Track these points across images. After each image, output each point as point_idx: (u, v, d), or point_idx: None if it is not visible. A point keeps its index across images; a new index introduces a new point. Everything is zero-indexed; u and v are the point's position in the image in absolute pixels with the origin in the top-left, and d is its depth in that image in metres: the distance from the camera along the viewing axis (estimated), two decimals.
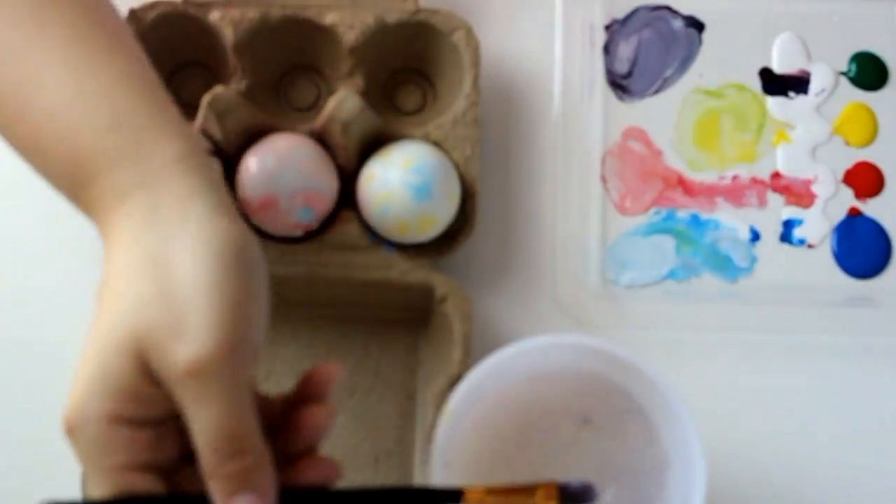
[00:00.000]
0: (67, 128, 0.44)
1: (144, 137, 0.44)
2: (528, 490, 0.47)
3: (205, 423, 0.41)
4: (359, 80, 0.61)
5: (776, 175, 0.64)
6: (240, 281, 0.42)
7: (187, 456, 0.43)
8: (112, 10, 0.49)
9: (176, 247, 0.42)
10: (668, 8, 0.67)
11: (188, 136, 0.45)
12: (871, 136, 0.65)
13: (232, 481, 0.41)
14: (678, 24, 0.66)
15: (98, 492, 0.42)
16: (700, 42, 0.66)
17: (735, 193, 0.64)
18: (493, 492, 0.46)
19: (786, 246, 0.63)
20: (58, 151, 0.45)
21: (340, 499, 0.45)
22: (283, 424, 0.45)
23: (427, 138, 0.60)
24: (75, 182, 0.45)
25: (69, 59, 0.45)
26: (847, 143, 0.65)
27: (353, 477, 0.59)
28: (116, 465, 0.41)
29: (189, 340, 0.40)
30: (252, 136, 0.59)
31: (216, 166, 0.57)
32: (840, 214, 0.64)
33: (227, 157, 0.59)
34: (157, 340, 0.40)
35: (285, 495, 0.43)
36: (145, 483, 0.42)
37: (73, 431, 0.41)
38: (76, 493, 0.54)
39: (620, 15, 0.66)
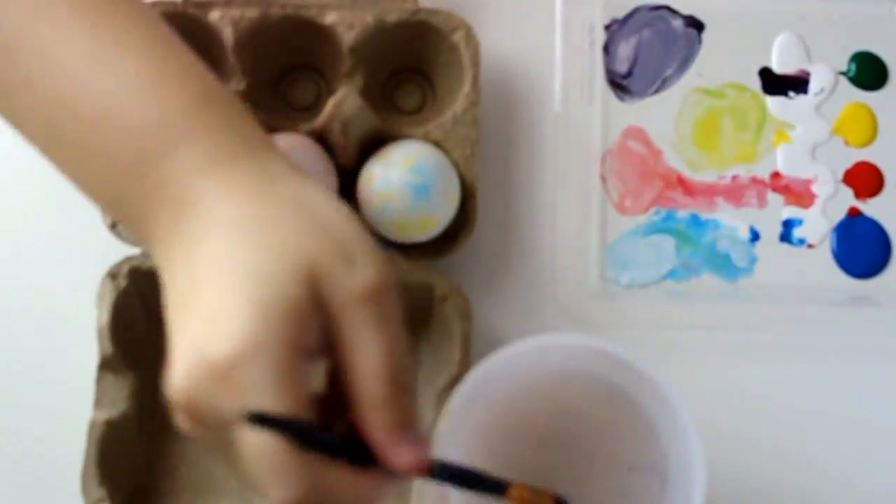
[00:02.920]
0: (152, 97, 0.44)
1: (231, 113, 0.45)
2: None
3: (377, 347, 0.40)
4: (358, 80, 0.60)
5: (776, 175, 0.64)
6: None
7: None
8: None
9: (309, 192, 0.43)
10: (667, 8, 0.67)
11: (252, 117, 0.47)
12: (871, 136, 0.65)
13: (404, 415, 0.40)
14: (678, 23, 0.66)
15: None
16: (700, 42, 0.66)
17: (735, 193, 0.64)
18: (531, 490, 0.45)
19: (786, 246, 0.63)
20: (129, 120, 0.44)
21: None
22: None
23: (427, 138, 0.60)
24: (146, 153, 0.43)
25: (145, 38, 0.46)
26: (847, 143, 0.65)
27: None
28: (299, 395, 0.39)
29: (362, 266, 0.40)
30: None
31: None
32: (840, 214, 0.64)
33: None
34: (329, 266, 0.40)
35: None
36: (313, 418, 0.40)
37: (246, 359, 0.38)
38: (76, 493, 0.54)
39: (620, 15, 0.66)
